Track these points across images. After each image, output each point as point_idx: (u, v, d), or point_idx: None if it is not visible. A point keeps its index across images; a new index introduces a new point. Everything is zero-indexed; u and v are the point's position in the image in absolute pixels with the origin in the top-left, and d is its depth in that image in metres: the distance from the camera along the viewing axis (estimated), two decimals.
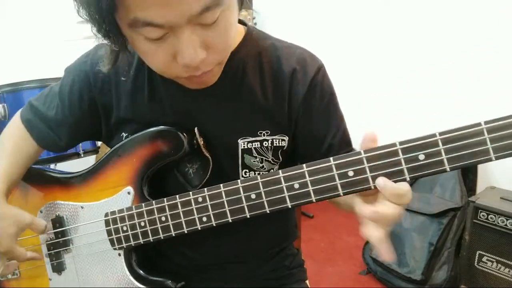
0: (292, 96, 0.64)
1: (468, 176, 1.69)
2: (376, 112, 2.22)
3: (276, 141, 0.65)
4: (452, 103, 1.85)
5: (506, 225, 1.38)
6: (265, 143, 0.65)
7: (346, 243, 2.03)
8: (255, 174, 0.66)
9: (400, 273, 1.60)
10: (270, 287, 0.76)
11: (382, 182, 0.46)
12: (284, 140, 0.66)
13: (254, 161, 0.65)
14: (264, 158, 0.66)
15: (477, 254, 1.47)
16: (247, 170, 0.66)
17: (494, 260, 1.43)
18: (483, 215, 1.44)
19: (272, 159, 0.66)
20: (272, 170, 0.68)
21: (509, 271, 1.39)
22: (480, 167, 1.71)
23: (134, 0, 0.42)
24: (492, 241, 1.43)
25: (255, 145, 0.64)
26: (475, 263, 1.48)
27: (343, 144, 0.69)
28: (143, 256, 0.68)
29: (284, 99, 0.64)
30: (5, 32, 2.01)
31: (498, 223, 1.40)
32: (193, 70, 0.51)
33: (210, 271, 0.74)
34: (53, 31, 1.95)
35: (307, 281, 0.82)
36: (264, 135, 0.64)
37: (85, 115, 0.69)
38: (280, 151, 0.67)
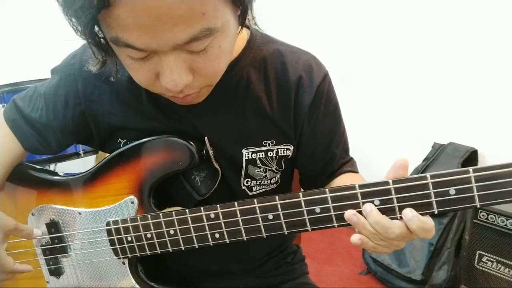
0: (298, 104, 0.62)
1: None
2: (377, 112, 2.22)
3: (281, 150, 0.64)
4: (451, 110, 1.85)
5: (506, 225, 1.38)
6: (270, 153, 0.63)
7: (346, 243, 2.03)
8: (257, 182, 0.65)
9: (400, 273, 1.60)
10: (274, 283, 0.77)
11: (409, 213, 0.45)
12: (289, 149, 0.65)
13: (258, 171, 0.64)
14: (268, 168, 0.64)
15: (477, 254, 1.48)
16: (249, 179, 0.65)
17: (494, 260, 1.43)
18: (483, 215, 1.44)
19: (275, 168, 0.65)
20: (274, 179, 0.67)
21: (509, 271, 1.39)
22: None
23: (115, 22, 0.39)
24: (492, 241, 1.43)
25: (259, 155, 0.63)
26: (475, 263, 1.48)
27: (343, 153, 0.69)
28: (148, 264, 0.67)
29: (289, 107, 0.62)
30: (5, 32, 2.01)
31: (498, 223, 1.40)
32: (175, 92, 0.48)
33: (213, 274, 0.74)
34: (53, 31, 1.95)
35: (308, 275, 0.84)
36: (269, 145, 0.63)
37: (69, 121, 0.65)
38: (283, 159, 0.65)
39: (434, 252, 1.55)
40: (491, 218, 1.42)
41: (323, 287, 0.78)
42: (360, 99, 2.21)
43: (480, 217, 1.45)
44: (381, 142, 2.16)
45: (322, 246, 2.03)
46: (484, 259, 1.46)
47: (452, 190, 0.44)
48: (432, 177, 0.45)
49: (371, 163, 1.83)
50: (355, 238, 0.49)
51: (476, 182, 0.43)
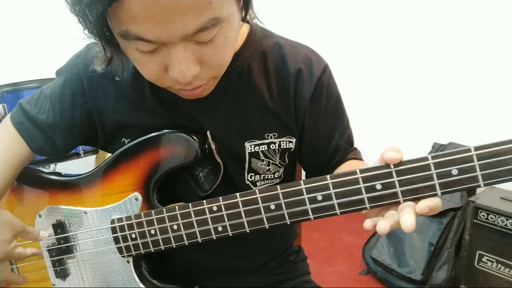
0: (297, 97, 0.63)
1: None
2: (376, 112, 2.22)
3: (283, 143, 0.64)
4: (451, 110, 1.86)
5: (506, 225, 1.38)
6: (272, 146, 0.64)
7: (346, 243, 2.03)
8: (260, 177, 0.66)
9: (400, 273, 1.60)
10: (278, 281, 0.77)
11: (426, 207, 0.42)
12: (292, 142, 0.65)
13: (261, 165, 0.64)
14: (271, 161, 0.65)
15: (477, 254, 1.48)
16: (253, 174, 0.65)
17: (494, 260, 1.43)
18: (483, 215, 1.44)
19: (279, 162, 0.66)
20: (277, 173, 0.67)
21: (509, 271, 1.39)
22: None
23: (125, 14, 0.40)
24: (492, 241, 1.43)
25: (262, 148, 0.63)
26: (475, 263, 1.49)
27: (348, 145, 0.69)
28: (152, 263, 0.67)
29: (290, 100, 0.63)
30: (5, 32, 2.01)
31: (498, 223, 1.40)
32: (184, 85, 0.49)
33: (217, 272, 0.74)
34: (53, 31, 1.95)
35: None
36: (271, 137, 0.63)
37: (77, 120, 0.66)
38: (287, 153, 0.66)
39: (434, 252, 1.55)
40: (491, 218, 1.42)
41: (323, 287, 0.79)
42: (360, 99, 2.22)
43: (480, 217, 1.45)
44: (381, 142, 2.15)
45: (323, 246, 2.03)
46: (484, 259, 1.46)
47: (454, 170, 0.43)
48: (434, 157, 0.44)
49: (370, 163, 1.84)
50: (368, 224, 0.47)
51: (478, 161, 0.42)
